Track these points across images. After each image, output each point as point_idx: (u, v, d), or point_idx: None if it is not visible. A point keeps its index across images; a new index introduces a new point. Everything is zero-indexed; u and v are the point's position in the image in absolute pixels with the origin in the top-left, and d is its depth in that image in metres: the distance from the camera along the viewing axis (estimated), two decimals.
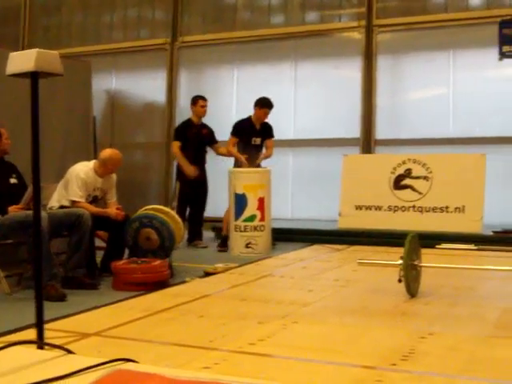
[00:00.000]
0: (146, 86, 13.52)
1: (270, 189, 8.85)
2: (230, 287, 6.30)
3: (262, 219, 8.64)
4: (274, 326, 4.73)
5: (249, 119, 9.36)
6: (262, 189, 8.68)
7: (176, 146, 9.40)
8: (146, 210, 7.34)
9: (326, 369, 3.79)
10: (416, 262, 5.76)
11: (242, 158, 8.99)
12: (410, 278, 5.63)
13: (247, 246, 8.62)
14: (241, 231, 8.64)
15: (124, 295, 5.85)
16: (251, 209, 8.59)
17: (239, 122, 9.40)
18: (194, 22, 13.28)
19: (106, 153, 7.10)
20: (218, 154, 9.75)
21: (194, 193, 9.38)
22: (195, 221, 9.59)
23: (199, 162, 9.51)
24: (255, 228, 8.60)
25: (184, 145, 9.37)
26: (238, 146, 9.23)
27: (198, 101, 9.58)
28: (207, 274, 6.99)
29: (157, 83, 13.34)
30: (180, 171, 9.47)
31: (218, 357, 3.96)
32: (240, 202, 8.62)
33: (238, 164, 9.16)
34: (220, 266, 7.30)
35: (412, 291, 5.68)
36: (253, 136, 9.29)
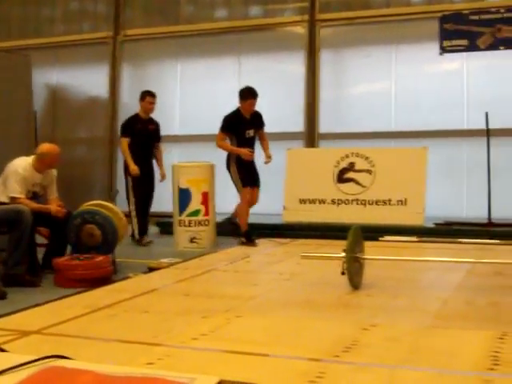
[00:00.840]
0: (88, 81, 13.35)
1: (214, 183, 8.84)
2: (174, 282, 6.27)
3: (207, 214, 8.62)
4: (217, 321, 4.71)
5: (237, 112, 8.91)
6: (206, 183, 8.66)
7: (125, 143, 9.21)
8: (88, 205, 7.25)
9: (270, 362, 3.79)
10: (359, 255, 5.81)
11: (242, 150, 8.70)
12: (353, 271, 5.68)
13: (192, 240, 8.59)
14: (185, 226, 8.60)
15: (66, 292, 5.77)
16: (195, 203, 8.57)
17: (228, 116, 8.90)
18: (136, 15, 13.16)
19: (44, 148, 6.98)
20: (156, 153, 9.54)
21: (143, 188, 9.25)
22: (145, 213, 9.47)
23: (147, 157, 9.38)
24: (199, 223, 8.58)
25: (131, 140, 9.22)
26: (232, 142, 8.83)
27: (146, 97, 9.43)
28: (151, 270, 6.94)
29: (99, 78, 13.18)
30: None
31: (162, 352, 3.93)
32: (184, 196, 8.58)
33: (235, 159, 8.80)
34: (164, 261, 7.25)
35: (355, 283, 5.73)
36: (246, 129, 8.84)
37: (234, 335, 4.41)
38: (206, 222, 8.63)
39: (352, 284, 5.69)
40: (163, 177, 9.35)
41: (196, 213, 8.57)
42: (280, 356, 3.88)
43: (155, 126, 9.53)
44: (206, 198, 8.63)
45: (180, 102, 12.53)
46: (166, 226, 9.66)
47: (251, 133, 8.85)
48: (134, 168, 9.05)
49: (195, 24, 12.52)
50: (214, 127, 12.07)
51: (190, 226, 8.57)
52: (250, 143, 8.84)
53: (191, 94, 12.46)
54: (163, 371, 3.41)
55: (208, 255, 8.01)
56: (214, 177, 8.83)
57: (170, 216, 9.21)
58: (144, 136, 9.28)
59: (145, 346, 4.09)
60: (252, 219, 10.49)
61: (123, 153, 9.25)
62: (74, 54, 13.40)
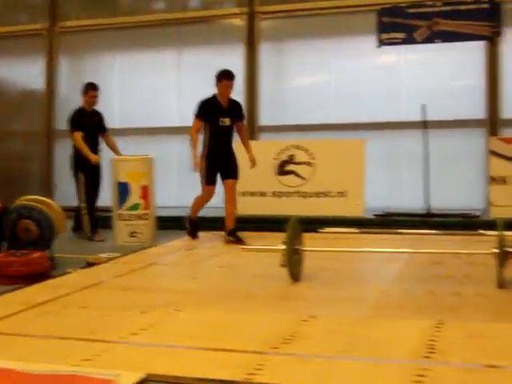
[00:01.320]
0: (24, 73, 13.09)
1: (154, 177, 8.75)
2: (112, 277, 6.21)
3: (146, 208, 8.53)
4: (157, 315, 4.68)
5: (213, 97, 8.43)
6: (145, 177, 8.56)
7: (78, 136, 9.02)
8: (25, 200, 7.11)
9: (209, 355, 3.78)
10: (298, 247, 5.83)
11: (196, 159, 8.27)
12: (293, 263, 5.70)
13: (131, 235, 8.49)
14: (124, 220, 8.50)
15: (2, 289, 5.65)
16: (134, 197, 8.46)
17: (203, 100, 8.43)
18: (73, 6, 12.92)
19: None
20: (108, 144, 9.45)
21: (95, 181, 9.11)
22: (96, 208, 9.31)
23: (95, 149, 9.22)
24: (139, 217, 8.48)
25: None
26: (205, 130, 8.40)
27: (88, 90, 9.29)
28: (90, 265, 6.85)
29: (36, 70, 12.91)
30: (81, 161, 9.11)
31: (100, 348, 3.89)
32: (123, 190, 8.48)
33: (206, 154, 8.38)
34: (103, 256, 7.17)
35: (295, 275, 5.75)
36: (220, 116, 8.31)
37: (173, 329, 4.39)
38: (146, 216, 8.54)
39: (292, 276, 5.71)
40: None
41: (135, 207, 8.48)
42: (220, 349, 3.87)
43: (99, 116, 9.43)
44: (146, 192, 8.54)
45: (120, 95, 12.37)
46: (105, 221, 9.51)
47: (226, 121, 8.33)
48: (93, 157, 8.91)
49: (134, 16, 12.37)
50: (155, 120, 12.05)
51: (129, 220, 8.47)
52: (224, 133, 8.38)
53: (131, 87, 12.32)
54: (90, 368, 3.38)
55: (148, 249, 7.95)
56: (153, 170, 8.74)
57: (108, 210, 9.08)
58: (91, 128, 9.17)
59: (82, 343, 4.04)
60: None
61: (79, 146, 9.03)
62: (9, 46, 13.10)
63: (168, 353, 3.85)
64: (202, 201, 8.63)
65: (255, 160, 8.57)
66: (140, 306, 4.94)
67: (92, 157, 8.94)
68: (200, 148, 8.39)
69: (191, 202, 8.82)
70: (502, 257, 5.31)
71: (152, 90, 12.13)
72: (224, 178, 8.47)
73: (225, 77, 8.29)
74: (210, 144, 8.36)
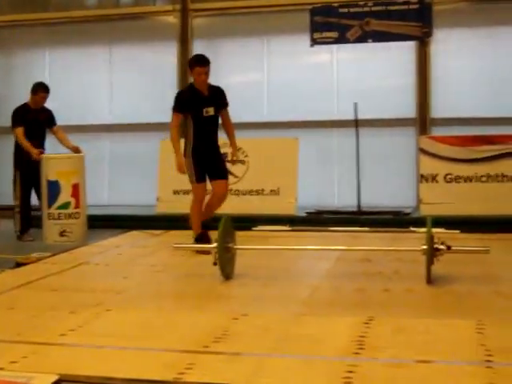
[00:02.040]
0: None
1: (85, 175, 8.61)
2: (42, 277, 6.08)
3: (77, 206, 8.40)
4: (86, 315, 4.61)
5: (191, 86, 7.53)
6: (76, 175, 8.43)
7: (20, 131, 8.79)
8: None
9: (139, 355, 3.75)
10: (230, 245, 5.82)
11: (181, 158, 7.33)
12: (225, 261, 5.69)
13: (62, 234, 8.34)
14: (54, 219, 8.34)
15: None
16: (65, 196, 8.32)
17: (179, 91, 7.71)
18: (3, 1, 12.62)
19: None
20: (58, 137, 9.23)
21: (33, 179, 8.87)
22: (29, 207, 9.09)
23: (40, 145, 9.01)
24: (70, 215, 8.34)
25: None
26: (188, 124, 7.39)
27: (38, 91, 9.08)
28: (19, 265, 6.70)
29: None
30: (20, 158, 8.89)
31: (27, 350, 3.82)
32: (53, 188, 8.32)
33: (191, 150, 7.43)
34: (33, 255, 7.03)
35: (227, 273, 5.74)
36: (203, 106, 7.32)
37: (103, 330, 4.34)
38: (77, 215, 8.41)
39: (224, 274, 5.70)
40: (77, 150, 8.95)
41: (66, 205, 8.33)
42: (150, 349, 3.84)
43: (47, 113, 9.21)
44: (77, 191, 8.40)
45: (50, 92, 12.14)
46: (34, 220, 9.32)
47: (211, 111, 7.36)
48: (35, 151, 8.66)
49: (65, 11, 12.14)
50: (86, 117, 11.86)
51: (59, 219, 8.32)
52: (210, 125, 7.44)
53: (61, 84, 12.09)
54: (4, 372, 3.32)
55: (79, 249, 7.82)
56: (84, 168, 8.60)
57: (37, 209, 8.90)
58: (35, 125, 8.96)
59: (9, 344, 3.95)
60: (126, 211, 10.40)
61: (21, 141, 8.81)
62: None
63: (97, 353, 3.80)
64: (196, 204, 7.47)
65: (237, 154, 7.84)
66: (69, 307, 4.86)
67: (33, 151, 8.70)
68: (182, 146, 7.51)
69: (189, 214, 7.57)
70: (431, 253, 5.41)
71: (83, 86, 11.93)
72: (213, 177, 7.50)
73: (196, 63, 7.27)
74: (195, 139, 7.36)
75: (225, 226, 5.74)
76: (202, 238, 7.19)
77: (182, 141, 7.55)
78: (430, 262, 5.43)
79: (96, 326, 4.42)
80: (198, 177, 7.39)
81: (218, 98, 7.52)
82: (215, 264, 5.56)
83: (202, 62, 7.27)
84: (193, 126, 7.35)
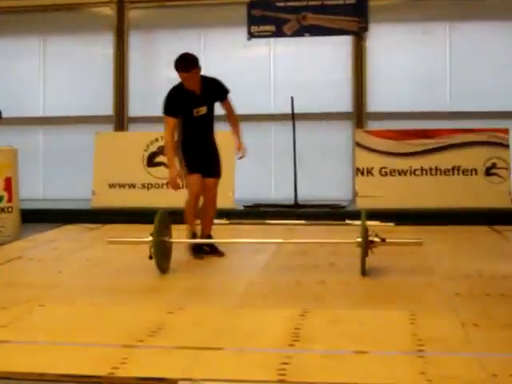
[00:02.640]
0: None
1: (17, 168, 8.42)
2: None
3: (10, 200, 8.19)
4: (18, 311, 4.52)
5: (181, 85, 6.59)
6: (9, 168, 8.22)
7: None
8: None
9: (72, 350, 3.68)
10: (166, 238, 5.79)
11: (174, 168, 6.52)
12: (160, 255, 5.64)
13: None
14: None
15: None
16: None
17: (168, 92, 6.67)
18: None
19: None
20: None
21: None
22: None
23: None
24: (2, 210, 8.14)
25: None
26: (178, 127, 6.65)
27: None
28: None
29: None
30: None
31: None
32: None
33: (180, 145, 6.66)
34: None
35: (163, 267, 5.70)
36: (193, 106, 6.52)
37: (36, 325, 4.26)
38: (10, 209, 8.21)
39: (160, 268, 5.66)
40: None
41: None
42: (83, 344, 3.79)
43: None
44: (9, 184, 8.20)
45: None
46: None
47: (202, 110, 6.56)
48: None
49: None
50: (18, 110, 11.61)
51: None
52: (202, 124, 6.65)
53: None
54: None
55: (12, 243, 7.67)
56: (17, 162, 8.41)
57: None
58: None
59: None
60: (60, 205, 10.23)
61: None
62: None
63: (29, 349, 3.72)
64: (190, 199, 6.58)
65: (244, 147, 6.89)
66: (1, 302, 4.75)
67: None
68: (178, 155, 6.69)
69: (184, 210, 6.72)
70: (365, 246, 5.47)
71: (15, 78, 11.69)
72: (203, 175, 6.63)
73: (179, 69, 6.41)
74: (184, 137, 6.66)
75: (160, 219, 5.70)
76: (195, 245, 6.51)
77: None
78: (364, 255, 5.49)
79: (28, 322, 4.33)
80: (190, 167, 6.55)
81: (212, 93, 6.61)
82: (151, 258, 5.52)
83: (185, 67, 6.34)
84: (182, 125, 6.62)
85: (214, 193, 6.73)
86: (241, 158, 6.96)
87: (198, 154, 6.64)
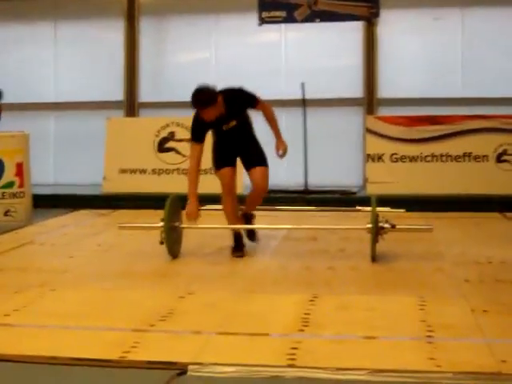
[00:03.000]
0: None
1: (29, 154, 8.46)
2: None
3: (21, 185, 8.25)
4: (31, 295, 4.57)
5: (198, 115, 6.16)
6: (20, 154, 8.27)
7: None
8: None
9: (83, 334, 3.73)
10: (177, 224, 5.81)
11: (194, 200, 5.98)
12: (171, 240, 5.68)
13: (6, 213, 8.18)
14: None
15: None
16: (9, 175, 8.16)
17: (194, 117, 6.07)
18: None
19: None
20: None
21: None
22: None
23: None
24: (14, 195, 8.20)
25: None
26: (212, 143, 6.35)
27: None
28: None
29: None
30: None
31: None
32: None
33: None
34: None
35: (173, 252, 5.74)
36: (222, 124, 6.08)
37: (47, 309, 4.30)
38: (22, 194, 8.27)
39: (170, 253, 5.69)
40: None
41: (10, 184, 8.18)
42: (95, 328, 3.83)
43: None
44: (21, 170, 8.25)
45: None
46: None
47: (232, 123, 6.12)
48: None
49: None
50: (30, 95, 11.62)
51: (3, 198, 8.16)
52: (233, 133, 6.18)
53: (3, 61, 11.85)
54: None
55: (24, 228, 7.71)
56: (28, 147, 8.45)
57: None
58: None
59: None
60: (72, 190, 10.26)
61: None
62: None
63: (40, 333, 3.76)
64: (224, 195, 6.31)
65: (285, 146, 6.36)
66: (13, 287, 4.80)
67: None
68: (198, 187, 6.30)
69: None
70: (375, 232, 5.48)
71: (26, 64, 11.71)
72: (247, 167, 6.27)
73: (195, 107, 5.88)
74: (218, 146, 6.33)
75: (171, 204, 5.73)
76: (236, 241, 6.21)
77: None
78: (374, 241, 5.50)
79: (40, 306, 4.38)
80: (217, 164, 6.31)
81: (238, 107, 6.13)
82: (162, 243, 5.55)
83: (201, 105, 5.79)
84: (215, 137, 6.31)
85: (263, 183, 6.18)
86: (281, 156, 6.45)
87: (235, 150, 6.24)
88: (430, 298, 4.37)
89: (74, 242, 6.82)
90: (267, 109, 6.34)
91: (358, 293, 4.60)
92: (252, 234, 6.37)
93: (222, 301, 4.38)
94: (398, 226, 5.55)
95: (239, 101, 6.11)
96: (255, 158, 6.22)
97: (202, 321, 3.94)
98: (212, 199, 8.77)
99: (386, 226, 5.53)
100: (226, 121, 6.05)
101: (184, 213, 5.92)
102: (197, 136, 6.08)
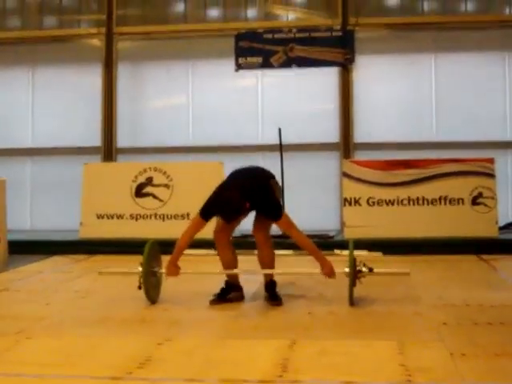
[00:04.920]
0: None
1: (5, 199, 8.42)
2: None
3: None
4: (5, 343, 4.50)
5: None
6: None
7: None
8: None
9: (60, 383, 3.67)
10: (156, 269, 5.79)
11: (174, 257, 5.78)
12: (150, 285, 5.65)
13: None
14: None
15: None
16: None
17: (216, 193, 5.90)
18: None
19: None
20: None
21: None
22: None
23: None
24: None
25: None
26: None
27: None
28: None
29: None
30: None
31: None
32: None
33: None
34: None
35: (152, 297, 5.70)
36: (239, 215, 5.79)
37: (23, 357, 4.23)
38: None
39: (149, 298, 5.66)
40: None
41: None
42: (71, 376, 3.78)
43: None
44: None
45: None
46: None
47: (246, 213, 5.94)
48: None
49: None
50: (6, 140, 11.61)
51: None
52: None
53: None
54: None
55: None
56: (4, 193, 8.41)
57: None
58: None
59: None
60: (48, 236, 10.19)
61: None
62: None
63: (15, 382, 3.70)
64: (215, 242, 6.21)
65: (332, 271, 5.68)
66: None
67: None
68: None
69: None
70: (353, 276, 5.48)
71: (3, 109, 11.74)
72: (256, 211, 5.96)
73: (226, 208, 5.60)
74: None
75: (150, 249, 5.71)
76: (227, 288, 6.05)
77: None
78: (352, 285, 5.51)
79: (16, 354, 4.31)
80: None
81: (260, 209, 5.88)
82: (140, 288, 5.52)
83: (235, 212, 5.60)
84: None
85: (259, 234, 6.02)
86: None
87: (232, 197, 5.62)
88: (409, 341, 4.38)
89: (50, 288, 6.75)
90: (292, 228, 5.93)
91: (336, 338, 4.59)
92: (274, 297, 5.88)
93: (199, 347, 4.35)
94: (375, 270, 5.57)
95: (264, 207, 5.82)
96: (270, 208, 5.85)
97: (180, 368, 3.91)
98: (191, 244, 8.78)
99: (364, 269, 5.54)
100: (243, 212, 5.79)
101: (164, 268, 5.79)
102: (207, 214, 5.86)
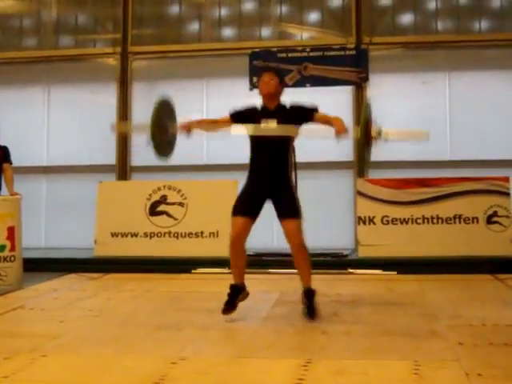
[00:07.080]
0: None
1: (21, 217, 8.46)
2: None
3: (13, 249, 8.21)
4: (21, 361, 4.50)
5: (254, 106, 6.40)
6: (12, 217, 8.25)
7: None
8: None
9: None
10: (169, 125, 6.17)
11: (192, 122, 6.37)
12: (161, 142, 6.09)
13: None
14: None
15: None
16: (0, 238, 8.14)
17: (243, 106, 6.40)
18: None
19: None
20: (5, 178, 9.08)
21: None
22: None
23: None
24: (5, 259, 8.15)
25: None
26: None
27: None
28: None
29: None
30: None
31: None
32: None
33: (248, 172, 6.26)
34: None
35: (164, 154, 6.18)
36: (264, 116, 6.15)
37: (37, 376, 4.23)
38: (12, 258, 8.22)
39: (159, 154, 6.08)
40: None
41: (1, 248, 8.14)
42: None
43: (2, 150, 9.10)
44: (12, 233, 8.22)
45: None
46: None
47: (271, 123, 6.06)
48: None
49: (2, 52, 12.08)
50: (23, 159, 11.67)
51: None
52: (267, 157, 6.24)
53: None
54: None
55: (13, 293, 7.65)
56: (20, 211, 8.44)
57: None
58: None
59: None
60: (63, 254, 10.23)
61: None
62: None
63: None
64: (230, 242, 6.13)
65: (344, 126, 6.13)
66: (3, 353, 4.73)
67: None
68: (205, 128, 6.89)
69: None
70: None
71: (20, 127, 11.81)
72: (279, 215, 6.09)
73: (264, 68, 5.82)
74: (249, 179, 6.28)
75: (162, 104, 5.65)
76: (234, 292, 6.04)
77: None
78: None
79: (30, 373, 4.31)
80: (235, 207, 6.11)
81: (288, 116, 6.14)
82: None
83: (270, 67, 6.08)
84: (251, 153, 6.37)
85: (295, 238, 5.94)
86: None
87: (260, 192, 6.05)
88: (424, 361, 4.34)
89: (64, 306, 6.76)
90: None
91: (352, 357, 4.56)
92: (311, 312, 5.85)
93: (214, 366, 4.33)
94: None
95: (294, 110, 6.17)
96: (288, 209, 5.99)
97: None
98: (204, 262, 8.80)
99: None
100: (269, 115, 6.07)
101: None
102: (234, 112, 6.42)
